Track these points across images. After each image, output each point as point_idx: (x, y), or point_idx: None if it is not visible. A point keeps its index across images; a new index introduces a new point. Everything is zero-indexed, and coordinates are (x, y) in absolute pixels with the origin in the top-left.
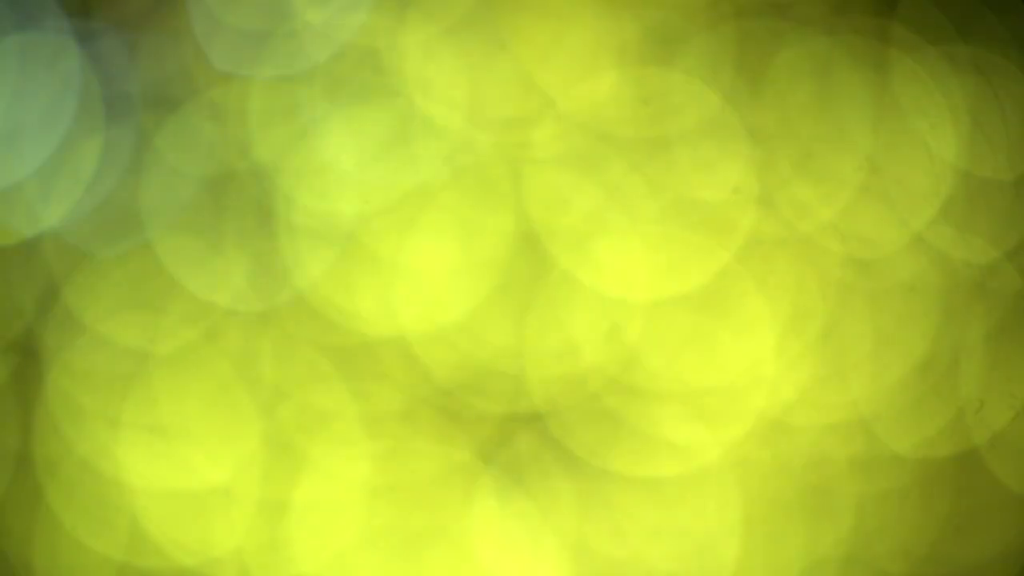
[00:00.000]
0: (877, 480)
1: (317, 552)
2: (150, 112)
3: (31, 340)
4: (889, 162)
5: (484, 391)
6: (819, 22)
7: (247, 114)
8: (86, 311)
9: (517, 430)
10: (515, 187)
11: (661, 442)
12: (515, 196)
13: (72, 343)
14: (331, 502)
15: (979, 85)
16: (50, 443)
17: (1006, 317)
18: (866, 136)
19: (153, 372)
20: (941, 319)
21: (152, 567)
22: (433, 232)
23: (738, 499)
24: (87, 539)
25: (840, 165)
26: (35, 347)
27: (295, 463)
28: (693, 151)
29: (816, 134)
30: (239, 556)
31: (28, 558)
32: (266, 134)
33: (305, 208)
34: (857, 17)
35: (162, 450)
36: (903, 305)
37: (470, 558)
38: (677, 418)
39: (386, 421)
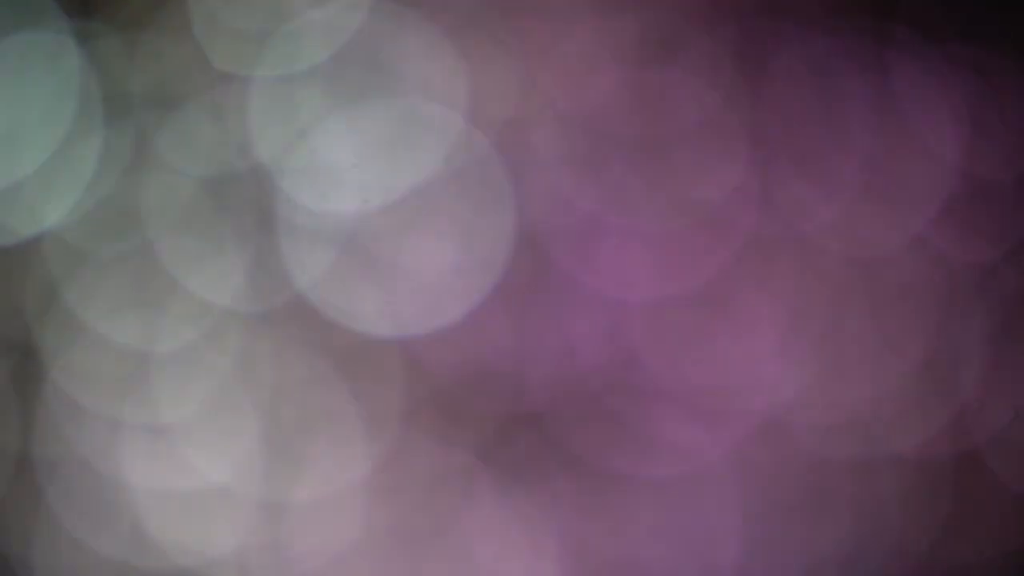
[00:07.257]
0: (877, 480)
1: (317, 552)
2: (150, 112)
3: (31, 340)
4: (889, 162)
5: (484, 391)
6: (819, 22)
7: (247, 114)
8: (86, 311)
9: (517, 430)
10: (515, 187)
11: (661, 443)
12: (515, 196)
13: (72, 343)
14: (331, 502)
15: (979, 85)
16: (50, 443)
17: (1006, 317)
18: (866, 136)
19: (153, 372)
20: (941, 319)
21: (152, 567)
22: (433, 232)
23: (738, 499)
24: (87, 539)
25: (840, 165)
26: (35, 347)
27: (295, 463)
28: (693, 151)
29: (816, 134)
30: (239, 556)
31: (28, 558)
32: (266, 134)
33: (305, 208)
34: (857, 17)
35: (162, 450)
36: (903, 305)
37: (470, 558)
38: (678, 418)
39: (386, 421)
